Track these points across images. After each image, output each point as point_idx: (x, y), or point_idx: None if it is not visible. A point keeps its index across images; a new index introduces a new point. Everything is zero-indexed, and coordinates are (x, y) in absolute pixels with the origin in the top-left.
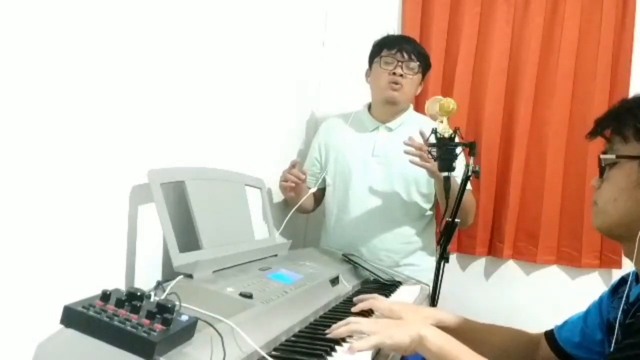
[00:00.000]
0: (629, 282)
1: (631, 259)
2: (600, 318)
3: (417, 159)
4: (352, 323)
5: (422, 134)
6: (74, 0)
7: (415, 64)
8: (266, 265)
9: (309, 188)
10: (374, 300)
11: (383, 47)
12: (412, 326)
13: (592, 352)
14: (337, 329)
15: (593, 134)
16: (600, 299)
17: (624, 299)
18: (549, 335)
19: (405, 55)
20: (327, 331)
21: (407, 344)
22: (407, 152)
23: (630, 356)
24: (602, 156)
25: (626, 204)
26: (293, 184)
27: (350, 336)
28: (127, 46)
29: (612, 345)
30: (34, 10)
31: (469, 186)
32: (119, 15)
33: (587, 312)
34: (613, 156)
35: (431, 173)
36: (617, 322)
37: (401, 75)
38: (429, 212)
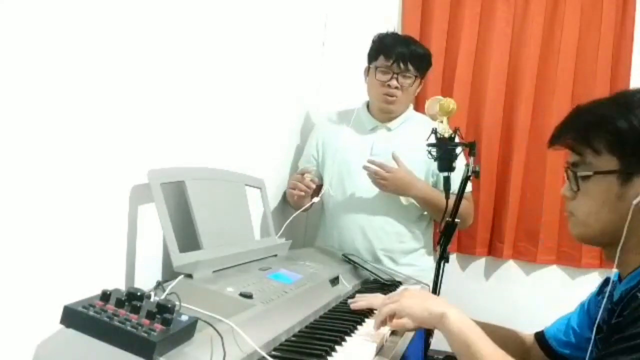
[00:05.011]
0: (611, 282)
1: (613, 262)
2: (588, 319)
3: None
4: (371, 297)
5: (395, 158)
6: (74, 0)
7: (411, 74)
8: (266, 265)
9: (321, 189)
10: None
11: (380, 52)
12: (438, 303)
13: (581, 350)
14: (357, 303)
15: (554, 144)
16: (588, 300)
17: (607, 298)
18: (539, 336)
19: (402, 66)
20: (349, 302)
21: (425, 317)
22: (365, 168)
23: (620, 350)
24: (579, 173)
25: (608, 216)
26: (302, 193)
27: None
28: (128, 46)
29: (597, 344)
30: (34, 11)
31: (469, 188)
32: (120, 15)
33: (575, 313)
34: (590, 172)
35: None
36: (603, 322)
37: (396, 88)
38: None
